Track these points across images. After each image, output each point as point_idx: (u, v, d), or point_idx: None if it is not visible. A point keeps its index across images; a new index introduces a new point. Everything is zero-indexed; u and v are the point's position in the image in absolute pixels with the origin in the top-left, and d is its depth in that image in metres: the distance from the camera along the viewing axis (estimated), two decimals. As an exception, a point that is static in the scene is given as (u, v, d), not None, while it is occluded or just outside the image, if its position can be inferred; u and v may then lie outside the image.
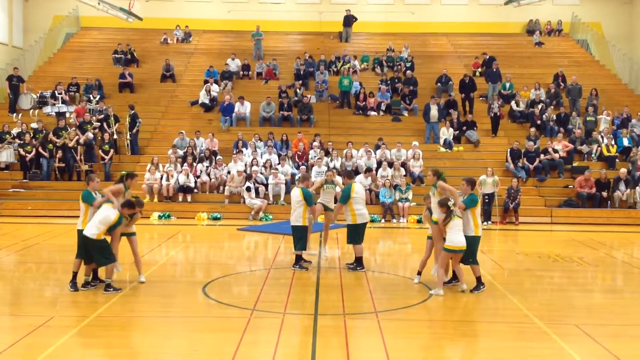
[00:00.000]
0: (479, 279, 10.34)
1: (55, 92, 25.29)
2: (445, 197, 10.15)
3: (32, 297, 10.17)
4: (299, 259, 11.97)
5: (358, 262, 11.94)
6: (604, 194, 20.52)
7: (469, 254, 10.20)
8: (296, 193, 11.94)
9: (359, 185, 12.17)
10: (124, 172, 10.83)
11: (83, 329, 8.16)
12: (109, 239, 10.07)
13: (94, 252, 9.88)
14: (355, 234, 11.92)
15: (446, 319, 9.12)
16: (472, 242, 10.18)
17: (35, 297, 10.13)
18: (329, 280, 11.14)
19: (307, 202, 11.75)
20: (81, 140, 21.49)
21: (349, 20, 32.30)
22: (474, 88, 25.52)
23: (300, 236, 11.90)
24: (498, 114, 24.03)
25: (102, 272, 10.33)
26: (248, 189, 20.04)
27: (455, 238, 9.94)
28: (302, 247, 11.95)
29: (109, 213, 9.82)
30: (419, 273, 10.94)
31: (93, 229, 9.73)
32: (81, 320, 8.48)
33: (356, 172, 20.99)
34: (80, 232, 10.01)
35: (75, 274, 10.15)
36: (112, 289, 9.92)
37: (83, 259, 10.10)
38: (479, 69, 29.12)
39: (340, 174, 20.79)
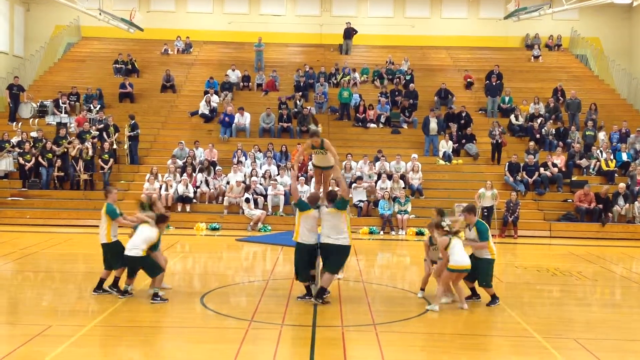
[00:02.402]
0: (493, 295, 10.34)
1: (60, 101, 25.32)
2: (439, 219, 10.08)
3: (29, 306, 10.14)
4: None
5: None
6: (600, 205, 20.47)
7: (483, 276, 10.16)
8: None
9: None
10: (157, 215, 10.89)
11: (80, 338, 8.13)
12: None
13: (145, 269, 10.09)
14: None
15: (444, 332, 9.10)
16: (489, 265, 10.17)
17: (33, 306, 10.10)
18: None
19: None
20: (83, 151, 21.44)
21: (349, 32, 32.43)
22: (469, 123, 24.86)
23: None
24: (500, 140, 23.42)
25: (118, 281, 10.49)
26: (247, 200, 20.04)
27: (459, 258, 9.87)
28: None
29: (150, 233, 10.04)
30: (422, 289, 10.86)
31: (137, 249, 9.93)
32: (78, 329, 8.44)
33: (354, 182, 21.06)
34: (104, 245, 10.35)
35: (103, 281, 10.46)
36: (159, 299, 10.02)
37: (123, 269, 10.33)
38: (469, 81, 29.45)
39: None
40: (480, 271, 10.13)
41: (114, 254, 10.33)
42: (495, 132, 23.34)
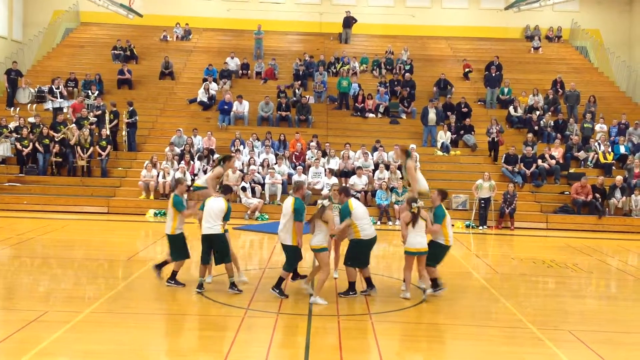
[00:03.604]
0: (434, 280, 10.24)
1: (53, 87, 25.24)
2: (414, 197, 10.06)
3: (26, 292, 10.15)
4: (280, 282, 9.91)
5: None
6: (598, 195, 20.47)
7: (431, 257, 10.05)
8: (288, 203, 9.79)
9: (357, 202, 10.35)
10: (220, 156, 11.03)
11: (77, 324, 8.15)
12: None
13: (219, 250, 9.95)
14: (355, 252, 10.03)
15: (440, 322, 9.13)
16: (441, 249, 10.10)
17: (29, 292, 10.11)
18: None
19: (295, 216, 9.59)
20: (81, 137, 21.38)
21: (348, 21, 32.31)
22: (468, 114, 24.81)
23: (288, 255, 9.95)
24: (497, 139, 22.96)
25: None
26: (243, 189, 20.02)
27: (414, 240, 9.84)
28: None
29: (218, 204, 9.89)
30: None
31: (215, 226, 9.84)
32: (75, 315, 8.46)
33: (352, 172, 21.07)
34: (169, 236, 10.30)
35: (174, 273, 10.41)
36: (235, 289, 9.96)
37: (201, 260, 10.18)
38: (468, 70, 29.44)
39: (335, 173, 20.95)
40: (429, 251, 10.00)
41: (175, 246, 10.31)
42: (492, 129, 23.07)
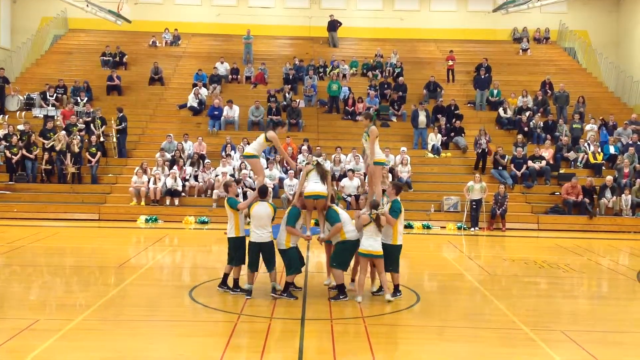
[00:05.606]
0: (396, 286, 10.18)
1: (47, 93, 25.13)
2: (376, 202, 9.99)
3: (17, 300, 10.07)
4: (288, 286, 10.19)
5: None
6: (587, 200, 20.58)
7: (389, 262, 9.98)
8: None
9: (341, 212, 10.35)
10: (272, 121, 11.10)
11: (68, 332, 8.10)
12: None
13: (267, 257, 9.97)
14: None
15: (433, 324, 9.13)
16: (392, 250, 9.98)
17: (20, 300, 10.04)
18: (316, 285, 11.12)
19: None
20: (70, 144, 21.28)
21: (333, 25, 32.34)
22: (459, 117, 24.94)
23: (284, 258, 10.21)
24: (486, 150, 22.50)
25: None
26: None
27: (366, 242, 9.79)
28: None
29: (264, 210, 9.90)
30: (353, 280, 10.75)
31: (267, 234, 9.88)
32: (67, 323, 8.40)
33: (343, 175, 21.09)
34: (230, 239, 10.22)
35: (227, 277, 10.38)
36: (285, 294, 9.93)
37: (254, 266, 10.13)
38: (450, 62, 29.48)
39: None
40: (386, 256, 9.90)
41: (235, 249, 10.20)
42: (481, 141, 22.62)
